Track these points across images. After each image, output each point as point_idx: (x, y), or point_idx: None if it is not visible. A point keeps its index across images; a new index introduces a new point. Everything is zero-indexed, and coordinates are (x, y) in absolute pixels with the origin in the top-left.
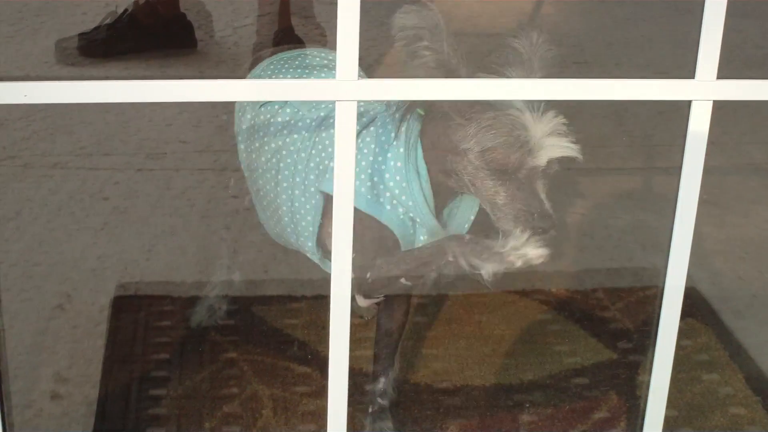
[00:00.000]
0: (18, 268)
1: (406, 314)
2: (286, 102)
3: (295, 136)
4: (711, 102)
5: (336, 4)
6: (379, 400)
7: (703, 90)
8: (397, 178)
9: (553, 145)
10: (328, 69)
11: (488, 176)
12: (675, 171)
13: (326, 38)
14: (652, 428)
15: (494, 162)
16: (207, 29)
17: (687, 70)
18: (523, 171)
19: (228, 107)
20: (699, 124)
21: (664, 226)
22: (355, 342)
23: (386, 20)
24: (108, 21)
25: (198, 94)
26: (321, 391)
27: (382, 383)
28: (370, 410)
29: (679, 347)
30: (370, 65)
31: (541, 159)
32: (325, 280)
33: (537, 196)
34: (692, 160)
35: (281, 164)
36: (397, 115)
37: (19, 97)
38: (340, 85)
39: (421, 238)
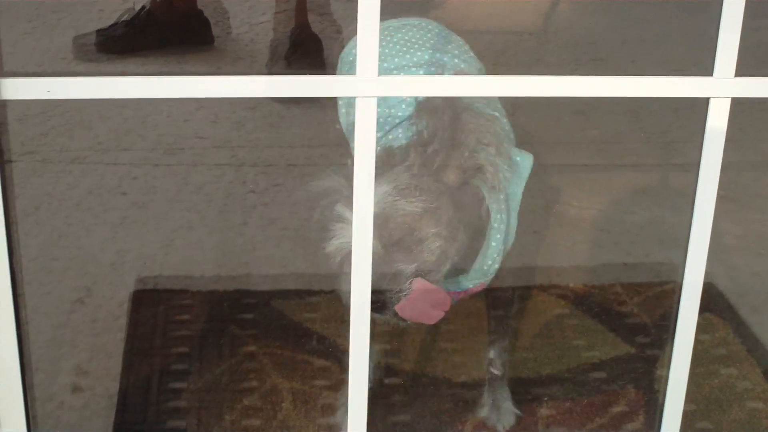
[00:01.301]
0: (37, 262)
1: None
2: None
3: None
4: (729, 99)
5: (353, 1)
6: (492, 369)
7: (722, 87)
8: None
9: None
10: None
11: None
12: (691, 167)
13: (342, 35)
14: (671, 422)
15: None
16: (224, 26)
17: (702, 68)
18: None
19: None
20: (717, 121)
21: (681, 221)
22: (374, 336)
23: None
24: (125, 17)
25: (221, 89)
26: (340, 385)
27: (492, 353)
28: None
29: (697, 342)
30: None
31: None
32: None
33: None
34: (710, 157)
35: None
36: None
37: (42, 92)
38: (360, 81)
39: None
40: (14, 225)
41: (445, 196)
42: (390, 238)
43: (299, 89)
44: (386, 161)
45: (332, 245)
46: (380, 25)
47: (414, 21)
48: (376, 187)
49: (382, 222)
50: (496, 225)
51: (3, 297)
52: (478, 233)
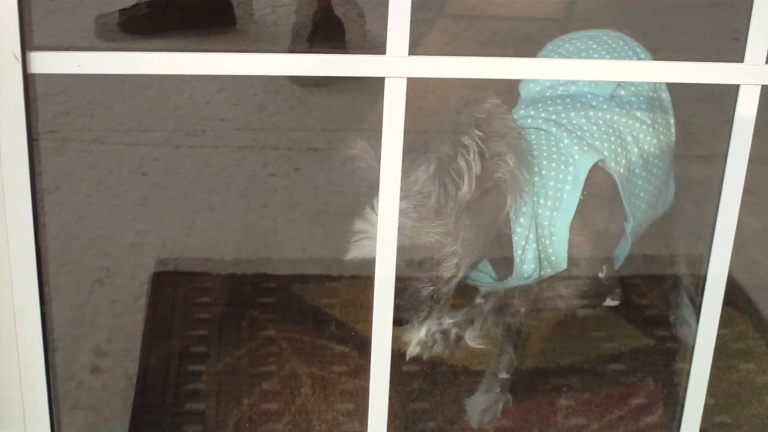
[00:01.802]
0: (58, 241)
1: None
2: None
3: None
4: (759, 87)
5: None
6: (503, 374)
7: (753, 74)
8: None
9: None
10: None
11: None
12: (713, 159)
13: (364, 18)
14: (692, 416)
15: (362, 261)
16: (246, 7)
17: (724, 58)
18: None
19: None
20: (747, 109)
21: (702, 213)
22: None
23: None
24: None
25: (256, 67)
26: (359, 371)
27: (506, 359)
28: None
29: (716, 336)
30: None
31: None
32: (364, 261)
33: None
34: (738, 145)
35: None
36: None
37: (72, 67)
38: (389, 61)
39: None
40: (40, 202)
41: (464, 210)
42: (410, 260)
43: (327, 68)
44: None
45: (353, 256)
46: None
47: (592, 32)
48: None
49: (401, 246)
50: (519, 230)
51: (28, 274)
52: (504, 239)
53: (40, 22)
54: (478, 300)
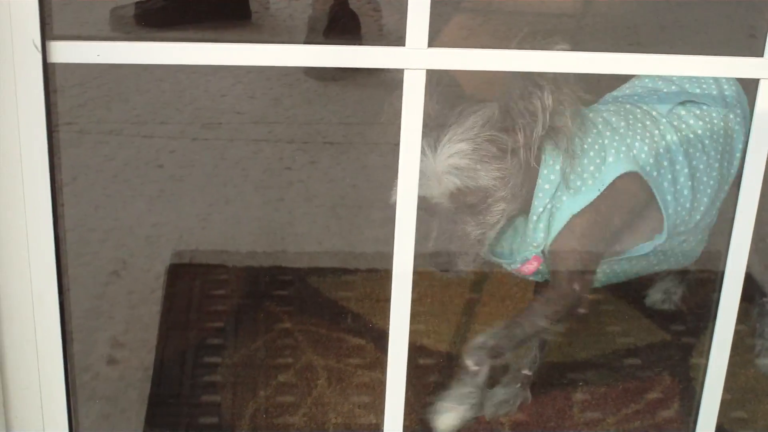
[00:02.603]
0: (74, 233)
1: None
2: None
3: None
4: None
5: None
6: (526, 370)
7: None
8: None
9: (444, 181)
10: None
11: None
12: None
13: (380, 12)
14: (709, 411)
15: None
16: (262, 1)
17: (741, 55)
18: (430, 208)
19: None
20: (767, 103)
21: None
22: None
23: None
24: None
25: (278, 58)
26: (375, 364)
27: (531, 356)
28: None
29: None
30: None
31: (438, 197)
32: (379, 254)
33: (437, 232)
34: (758, 140)
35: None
36: None
37: (91, 56)
38: (408, 53)
39: None
40: (59, 191)
41: (516, 156)
42: (464, 203)
43: (347, 60)
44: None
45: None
46: None
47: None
48: (452, 137)
49: (459, 189)
50: (541, 195)
51: (47, 263)
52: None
53: (54, 15)
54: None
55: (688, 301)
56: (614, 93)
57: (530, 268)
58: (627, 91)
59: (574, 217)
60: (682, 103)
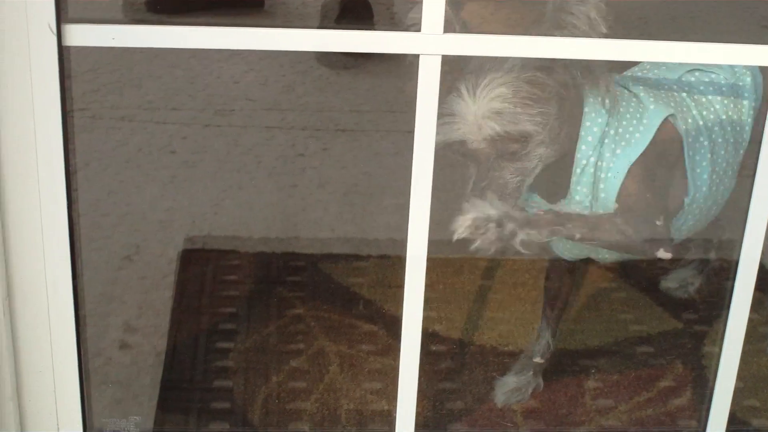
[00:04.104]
0: (87, 218)
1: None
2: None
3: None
4: None
5: None
6: (538, 358)
7: None
8: None
9: (484, 126)
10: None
11: (457, 156)
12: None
13: (392, 1)
14: (722, 399)
15: (447, 144)
16: None
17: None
18: (469, 153)
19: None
20: None
21: (731, 198)
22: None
23: None
24: None
25: (297, 42)
26: (387, 350)
27: (542, 343)
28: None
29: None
30: None
31: (477, 142)
32: (391, 240)
33: (475, 177)
34: None
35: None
36: None
37: (107, 40)
38: (424, 38)
39: None
40: (73, 175)
41: (555, 98)
42: (506, 150)
43: (364, 45)
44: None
45: (443, 139)
46: None
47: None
48: (491, 81)
49: (500, 134)
50: (584, 148)
51: (61, 248)
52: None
53: (67, 2)
54: (538, 211)
55: (701, 290)
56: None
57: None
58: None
59: (633, 166)
60: (690, 71)
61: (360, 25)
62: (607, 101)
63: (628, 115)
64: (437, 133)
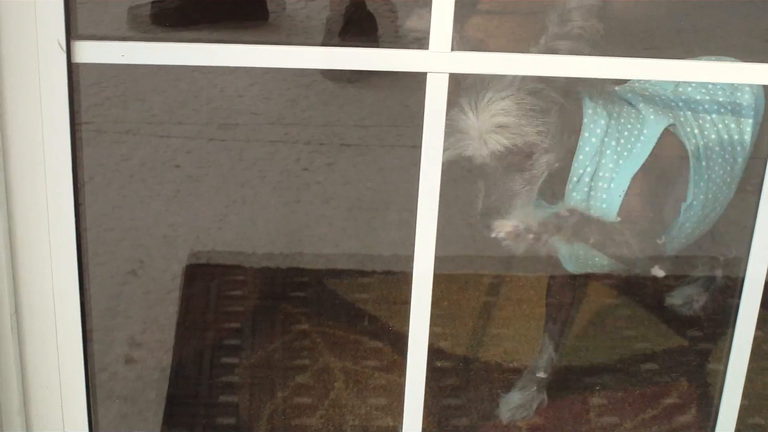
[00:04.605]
0: (91, 232)
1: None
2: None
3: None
4: None
5: None
6: (541, 373)
7: None
8: None
9: (491, 141)
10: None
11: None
12: (750, 160)
13: (396, 14)
14: (727, 416)
15: (455, 161)
16: (279, 1)
17: (759, 59)
18: (476, 168)
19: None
20: None
21: (735, 215)
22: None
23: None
24: None
25: (306, 60)
26: (392, 366)
27: (545, 358)
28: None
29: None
30: None
31: (484, 157)
32: (395, 257)
33: (485, 191)
34: None
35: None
36: None
37: (116, 56)
38: (431, 56)
39: None
40: (81, 190)
41: (556, 107)
42: (513, 162)
43: (370, 63)
44: None
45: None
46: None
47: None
48: (493, 96)
49: (507, 148)
50: (581, 157)
51: (68, 262)
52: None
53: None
54: (564, 213)
55: (706, 307)
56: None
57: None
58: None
59: (635, 177)
60: (691, 88)
61: (364, 38)
62: (605, 112)
63: (629, 126)
64: (443, 151)
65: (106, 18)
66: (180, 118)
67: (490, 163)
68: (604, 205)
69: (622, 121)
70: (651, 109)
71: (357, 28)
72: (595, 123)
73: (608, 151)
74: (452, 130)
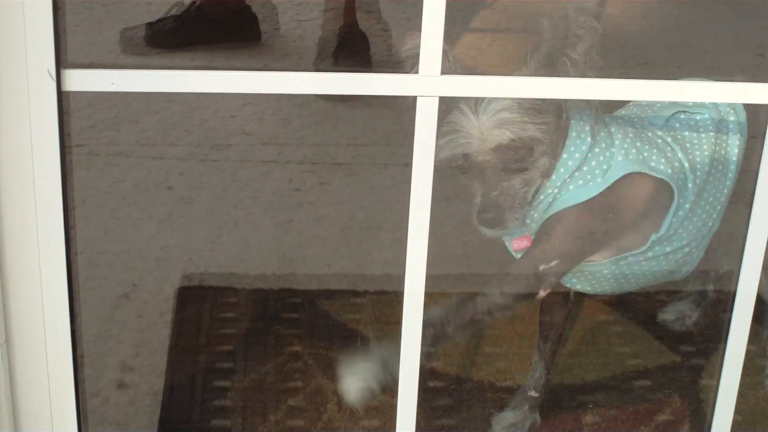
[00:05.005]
0: (84, 256)
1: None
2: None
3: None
4: None
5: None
6: (533, 392)
7: None
8: None
9: (494, 135)
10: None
11: (459, 173)
12: (742, 175)
13: (390, 33)
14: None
15: (452, 160)
16: (272, 22)
17: (749, 74)
18: (475, 166)
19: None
20: None
21: (727, 229)
22: None
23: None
24: (175, 12)
25: (297, 86)
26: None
27: (537, 377)
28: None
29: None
30: None
31: (485, 154)
32: (388, 277)
33: (484, 189)
34: None
35: None
36: None
37: (106, 84)
38: (421, 80)
39: None
40: (71, 213)
41: (554, 111)
42: (515, 158)
43: (360, 87)
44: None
45: (441, 155)
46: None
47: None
48: (479, 104)
49: (512, 140)
50: (554, 177)
51: (59, 291)
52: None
53: (66, 36)
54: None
55: (698, 322)
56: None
57: (520, 244)
58: (623, 112)
59: (573, 206)
60: (675, 114)
61: (357, 58)
62: (589, 137)
63: (600, 156)
64: (440, 150)
65: (99, 39)
66: (173, 139)
67: (490, 160)
68: (535, 215)
69: (596, 150)
70: (624, 149)
71: (350, 47)
72: (576, 146)
73: (562, 170)
74: (450, 129)
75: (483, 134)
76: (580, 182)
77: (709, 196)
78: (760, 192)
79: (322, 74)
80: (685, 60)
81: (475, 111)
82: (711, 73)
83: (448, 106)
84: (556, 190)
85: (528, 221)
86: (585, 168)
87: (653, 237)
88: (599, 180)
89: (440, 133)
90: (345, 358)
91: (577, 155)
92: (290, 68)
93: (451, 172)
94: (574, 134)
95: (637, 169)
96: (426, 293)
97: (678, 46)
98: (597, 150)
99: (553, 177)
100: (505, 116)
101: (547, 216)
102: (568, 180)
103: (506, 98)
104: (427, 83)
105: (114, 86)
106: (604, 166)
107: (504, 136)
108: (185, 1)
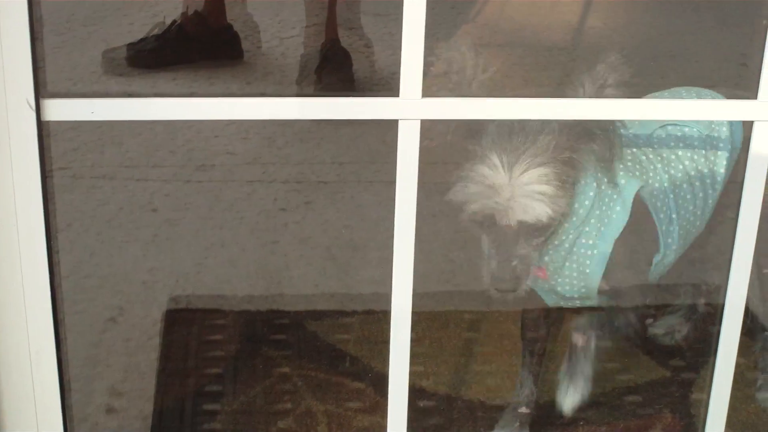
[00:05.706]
0: (70, 280)
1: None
2: None
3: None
4: None
5: (383, 16)
6: (523, 408)
7: (766, 110)
8: None
9: (522, 207)
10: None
11: (471, 224)
12: (730, 188)
13: (372, 49)
14: None
15: (471, 213)
16: (254, 40)
17: (733, 84)
18: (496, 227)
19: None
20: (761, 146)
21: (715, 243)
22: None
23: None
24: (156, 32)
25: (271, 111)
26: (375, 407)
27: (526, 393)
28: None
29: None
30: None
31: (510, 220)
32: (376, 296)
33: (500, 256)
34: (754, 179)
35: None
36: None
37: (86, 114)
38: (402, 103)
39: None
40: (54, 240)
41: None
42: (532, 231)
43: (341, 111)
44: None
45: (471, 210)
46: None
47: (672, 90)
48: (531, 161)
49: (529, 223)
50: (566, 225)
51: (43, 318)
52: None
53: (47, 59)
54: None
55: (688, 336)
56: None
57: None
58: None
59: (617, 240)
60: (663, 127)
61: (340, 75)
62: (594, 181)
63: (609, 192)
64: (458, 192)
65: (81, 61)
66: (157, 160)
67: (514, 226)
68: (587, 270)
69: (603, 187)
70: (621, 171)
71: (332, 64)
72: (584, 193)
73: (592, 220)
74: (477, 183)
75: (518, 201)
76: (605, 220)
77: (690, 215)
78: (744, 208)
79: (303, 99)
80: (668, 70)
81: (509, 171)
82: (694, 83)
83: (470, 151)
84: (564, 238)
85: (546, 258)
86: (603, 207)
87: (656, 258)
88: (619, 208)
89: (463, 178)
90: None
91: (583, 208)
92: (273, 85)
93: (458, 213)
94: (578, 190)
95: (641, 183)
96: (414, 311)
97: (661, 56)
98: (603, 187)
99: (566, 225)
100: (542, 189)
101: (603, 268)
102: (585, 226)
103: (542, 166)
104: (408, 106)
105: (94, 115)
106: (620, 194)
107: (542, 210)
108: (166, 21)
